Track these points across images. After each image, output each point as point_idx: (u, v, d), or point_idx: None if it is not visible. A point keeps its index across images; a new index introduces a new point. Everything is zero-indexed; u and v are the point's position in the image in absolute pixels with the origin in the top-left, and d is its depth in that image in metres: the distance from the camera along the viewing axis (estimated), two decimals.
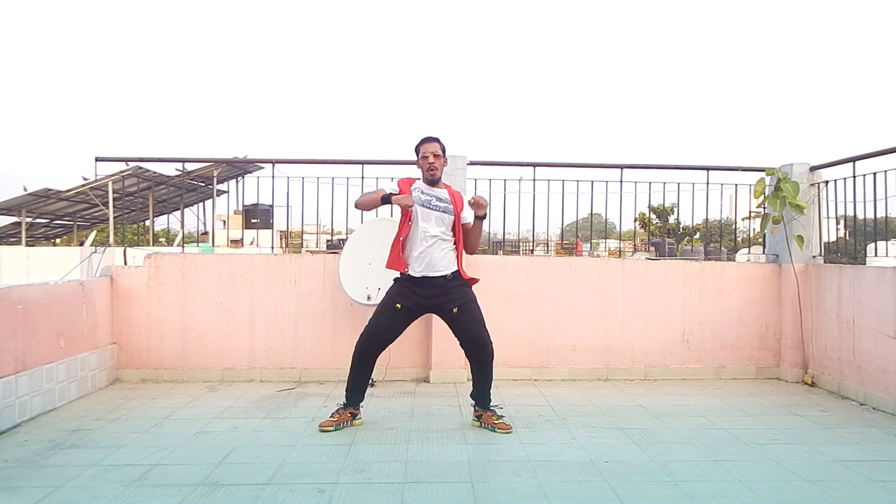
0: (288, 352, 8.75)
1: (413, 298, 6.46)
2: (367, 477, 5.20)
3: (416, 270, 6.44)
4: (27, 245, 31.35)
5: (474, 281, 6.76)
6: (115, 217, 28.32)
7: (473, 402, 6.79)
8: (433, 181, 6.59)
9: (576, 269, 9.05)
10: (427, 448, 5.96)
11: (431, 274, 6.45)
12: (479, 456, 5.74)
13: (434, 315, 6.93)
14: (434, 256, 6.45)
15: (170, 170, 25.52)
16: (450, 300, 6.50)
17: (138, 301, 8.59)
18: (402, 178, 6.71)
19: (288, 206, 9.33)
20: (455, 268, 6.58)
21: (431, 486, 5.03)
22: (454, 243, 6.60)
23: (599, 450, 5.90)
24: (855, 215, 8.35)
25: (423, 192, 6.50)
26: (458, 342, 6.67)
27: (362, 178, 8.95)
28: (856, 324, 7.87)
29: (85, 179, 28.92)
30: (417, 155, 6.66)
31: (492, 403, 6.75)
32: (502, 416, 6.65)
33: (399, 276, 6.55)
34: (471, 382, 6.77)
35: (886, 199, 7.81)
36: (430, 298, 6.47)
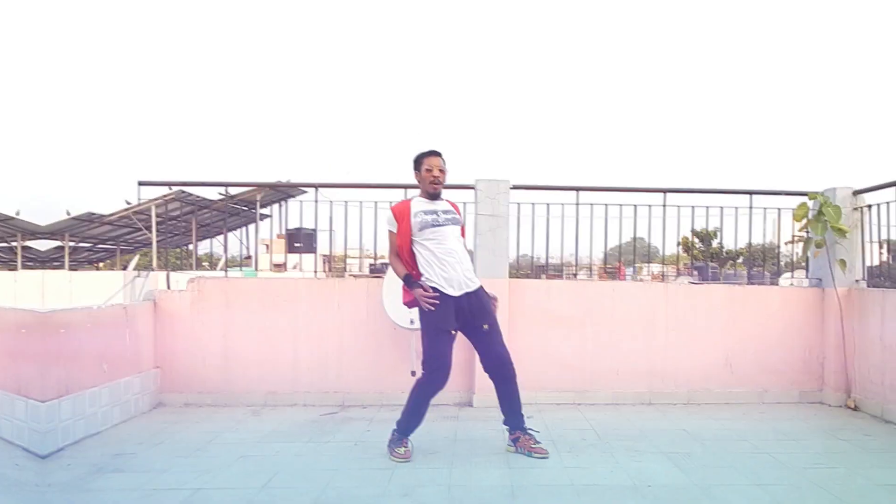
0: (331, 376, 8.76)
1: (458, 317, 6.37)
2: (411, 501, 5.21)
3: (453, 290, 6.36)
4: (71, 269, 31.62)
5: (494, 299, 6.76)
6: (157, 241, 28.51)
7: (507, 427, 6.71)
8: (435, 195, 6.57)
9: (618, 293, 9.04)
10: (470, 472, 5.95)
11: (468, 290, 6.45)
12: (521, 480, 5.73)
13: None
14: (464, 271, 6.45)
15: (213, 194, 25.63)
16: (481, 316, 6.47)
17: (181, 325, 8.65)
18: (395, 205, 6.65)
19: (331, 230, 9.37)
20: (479, 280, 6.63)
21: None
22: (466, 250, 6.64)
23: (642, 474, 5.88)
24: None
25: (425, 212, 6.43)
26: (481, 360, 6.62)
27: None
28: None
29: (128, 203, 29.15)
30: (418, 167, 6.59)
31: (527, 425, 6.70)
32: (539, 442, 6.59)
33: (431, 299, 6.31)
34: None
35: None
36: (467, 315, 6.42)
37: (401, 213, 6.47)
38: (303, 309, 8.77)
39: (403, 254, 6.50)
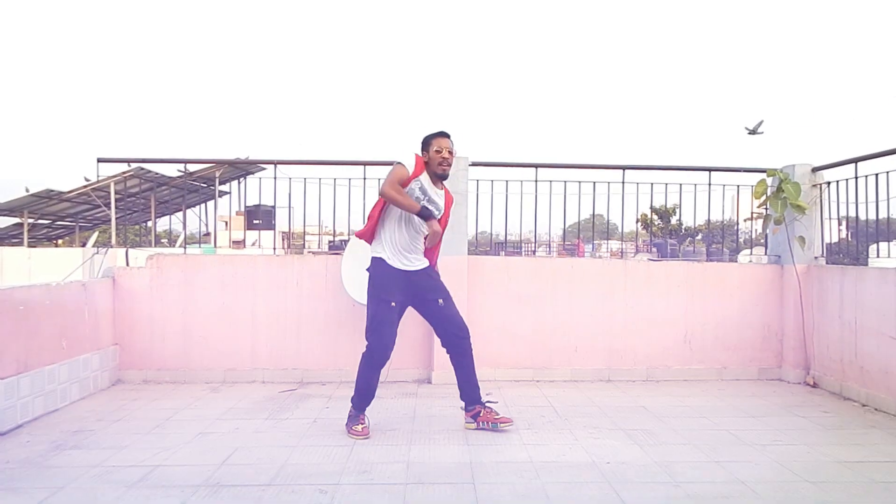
0: (290, 353, 8.77)
1: (405, 292, 6.41)
2: (370, 478, 5.21)
3: (405, 265, 6.41)
4: (29, 246, 31.38)
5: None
6: (117, 218, 28.36)
7: (465, 404, 6.72)
8: (443, 177, 6.51)
9: (578, 270, 9.07)
10: (429, 449, 5.97)
11: (420, 267, 6.50)
12: (481, 457, 5.74)
13: None
14: (418, 252, 6.51)
15: (172, 171, 25.55)
16: (433, 291, 6.53)
17: (140, 302, 8.61)
18: (418, 156, 6.45)
19: (290, 206, 9.34)
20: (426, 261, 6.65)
21: (433, 487, 5.04)
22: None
23: (601, 451, 5.91)
24: (857, 216, 8.36)
25: (420, 189, 6.34)
26: (439, 334, 6.67)
27: (364, 178, 8.95)
28: (858, 325, 7.87)
29: (87, 180, 28.99)
30: (427, 148, 6.48)
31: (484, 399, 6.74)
32: (499, 413, 6.64)
33: (379, 269, 6.39)
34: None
35: (889, 199, 7.81)
36: (417, 289, 6.48)
37: (419, 167, 6.36)
38: (262, 286, 8.76)
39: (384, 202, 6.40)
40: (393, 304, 6.33)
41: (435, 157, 6.41)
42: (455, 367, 6.68)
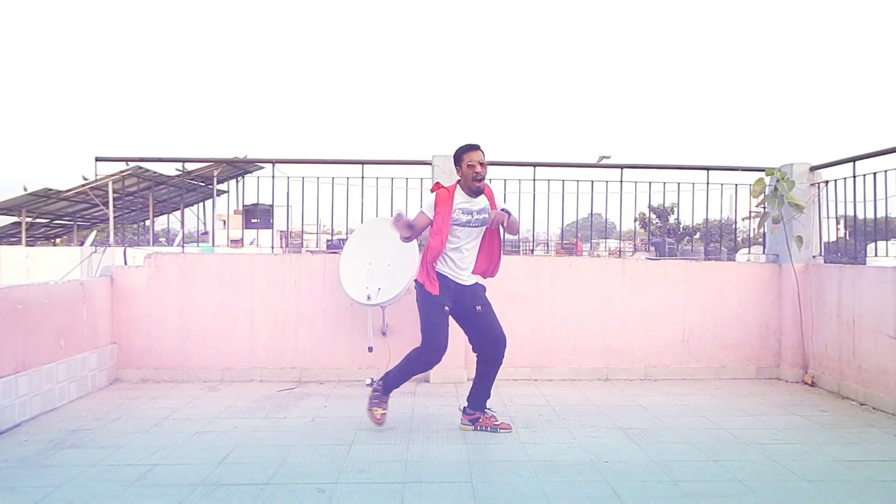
0: (288, 352, 8.76)
1: (454, 301, 6.41)
2: (368, 477, 5.21)
3: (462, 279, 6.43)
4: (27, 245, 31.32)
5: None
6: (115, 217, 28.33)
7: (467, 405, 6.70)
8: (478, 192, 6.44)
9: (576, 269, 9.07)
10: (427, 448, 5.97)
11: (471, 282, 6.51)
12: (479, 456, 5.75)
13: None
14: (470, 266, 6.52)
15: (170, 170, 25.51)
16: (474, 300, 6.49)
17: (138, 301, 8.60)
18: (439, 191, 6.48)
19: (288, 205, 9.34)
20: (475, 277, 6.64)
21: (431, 485, 5.04)
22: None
23: (599, 450, 5.91)
24: (855, 215, 8.35)
25: (464, 212, 6.35)
26: (474, 342, 6.63)
27: (362, 177, 8.96)
28: (856, 323, 7.87)
29: (85, 179, 28.90)
30: (459, 163, 6.44)
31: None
32: (499, 419, 6.64)
33: (440, 282, 6.37)
34: (471, 383, 6.70)
35: (886, 198, 7.81)
36: (465, 302, 6.48)
37: (443, 198, 6.37)
38: (260, 285, 8.76)
39: (440, 237, 6.34)
40: (446, 308, 6.35)
41: (468, 172, 6.37)
42: (477, 372, 6.68)
